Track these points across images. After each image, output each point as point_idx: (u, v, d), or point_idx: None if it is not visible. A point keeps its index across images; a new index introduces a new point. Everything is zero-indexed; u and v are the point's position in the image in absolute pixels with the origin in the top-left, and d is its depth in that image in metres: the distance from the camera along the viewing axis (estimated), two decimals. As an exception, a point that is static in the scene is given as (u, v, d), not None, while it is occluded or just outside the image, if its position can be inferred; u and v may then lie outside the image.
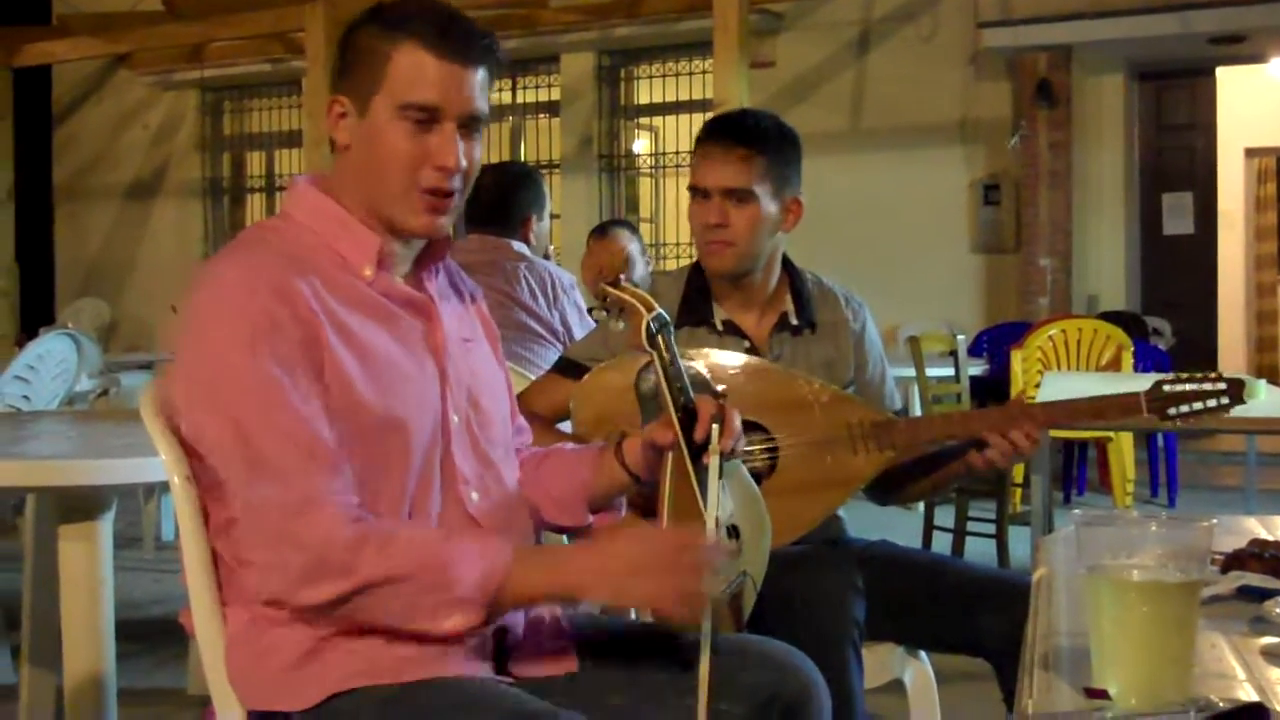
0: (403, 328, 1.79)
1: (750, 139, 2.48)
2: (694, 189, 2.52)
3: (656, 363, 1.82)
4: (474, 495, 1.81)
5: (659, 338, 1.82)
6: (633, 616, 2.75)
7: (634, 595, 1.71)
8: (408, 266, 1.85)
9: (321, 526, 1.60)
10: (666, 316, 1.85)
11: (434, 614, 1.64)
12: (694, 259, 2.66)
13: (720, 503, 1.83)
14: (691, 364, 2.16)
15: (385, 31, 1.75)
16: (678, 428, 1.81)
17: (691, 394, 1.84)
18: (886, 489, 2.57)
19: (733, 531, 1.89)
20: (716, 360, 2.43)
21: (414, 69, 1.73)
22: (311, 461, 1.63)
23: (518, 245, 3.98)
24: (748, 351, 2.51)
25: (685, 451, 1.81)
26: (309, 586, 1.61)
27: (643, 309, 1.83)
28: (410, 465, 1.74)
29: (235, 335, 1.65)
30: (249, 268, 1.70)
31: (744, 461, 2.35)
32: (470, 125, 1.78)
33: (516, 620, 1.85)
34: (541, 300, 3.90)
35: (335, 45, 1.86)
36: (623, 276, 1.94)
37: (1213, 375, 2.32)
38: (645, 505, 2.01)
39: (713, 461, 1.80)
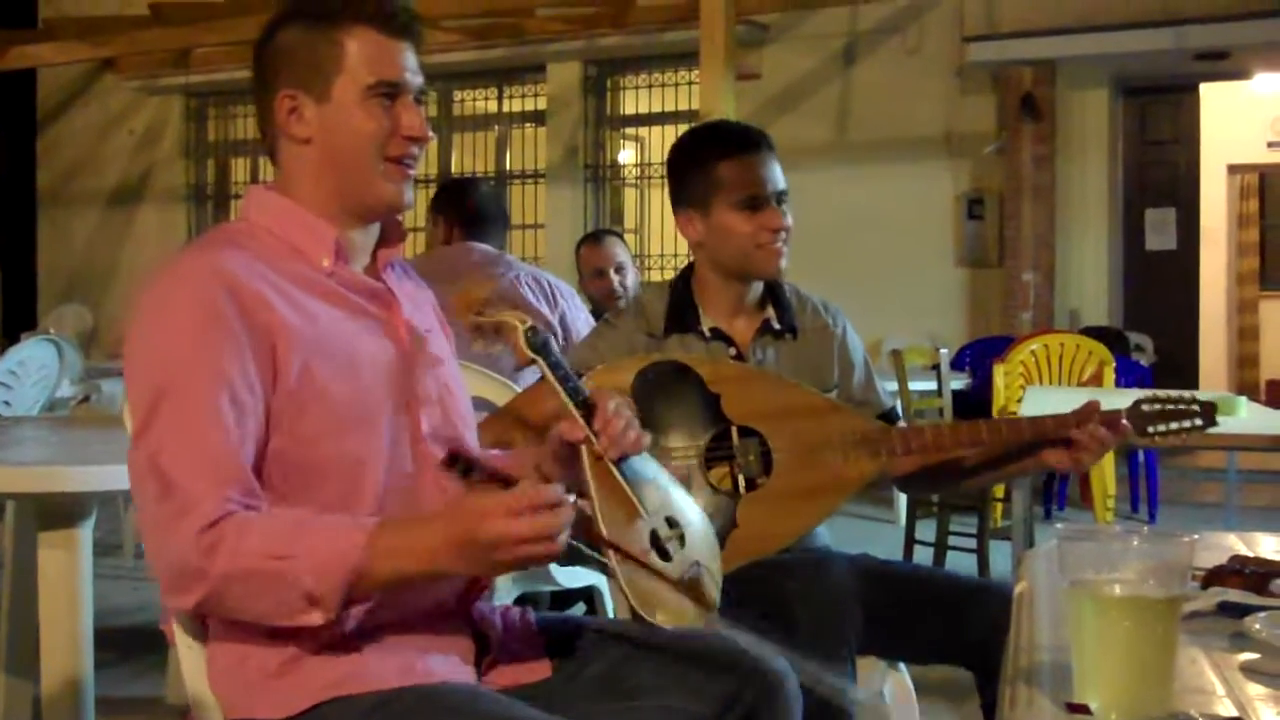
0: (363, 316, 1.81)
1: (771, 144, 2.58)
2: (754, 199, 2.52)
3: (544, 367, 1.85)
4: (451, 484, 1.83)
5: (539, 344, 1.86)
6: (610, 615, 2.75)
7: (491, 567, 1.62)
8: (366, 258, 1.88)
9: (184, 534, 1.58)
10: (539, 326, 1.89)
11: (287, 610, 1.60)
12: (678, 270, 2.68)
13: (650, 495, 1.89)
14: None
15: (325, 21, 1.79)
16: (582, 423, 1.85)
17: (587, 392, 1.88)
18: (929, 484, 2.63)
19: (671, 523, 1.93)
20: (712, 367, 2.47)
21: (372, 50, 1.79)
22: (206, 471, 1.61)
23: (510, 257, 4.07)
24: (734, 357, 2.56)
25: (595, 443, 1.85)
26: (178, 594, 1.61)
27: (515, 322, 1.87)
28: (377, 448, 1.75)
29: (174, 336, 1.66)
30: (200, 264, 1.71)
31: (740, 467, 2.39)
32: (420, 98, 1.85)
33: (494, 626, 1.86)
34: (544, 304, 3.95)
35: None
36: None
37: (1187, 396, 2.40)
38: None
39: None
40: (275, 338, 1.68)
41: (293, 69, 1.80)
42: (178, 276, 1.71)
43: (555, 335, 3.95)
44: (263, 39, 1.85)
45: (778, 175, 2.55)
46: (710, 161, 2.55)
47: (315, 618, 1.59)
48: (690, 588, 1.92)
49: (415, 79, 1.83)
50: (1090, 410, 2.35)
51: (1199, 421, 2.37)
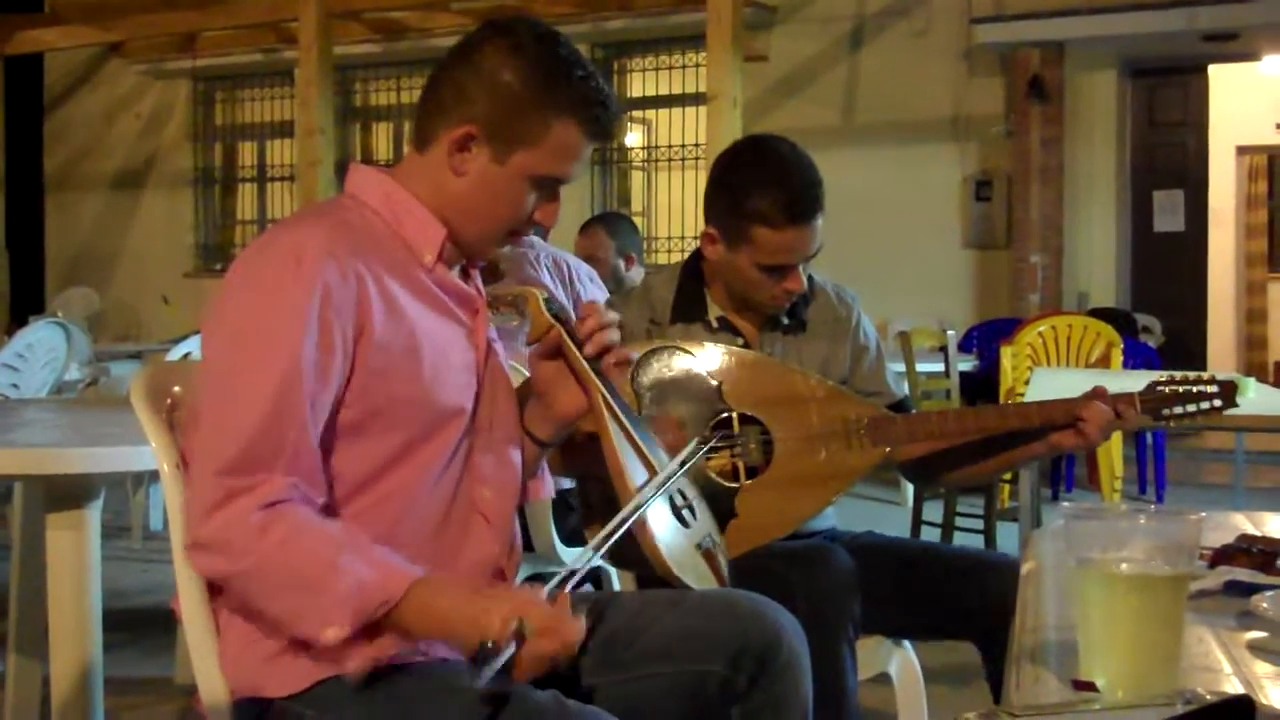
0: (451, 321, 1.82)
1: (820, 207, 2.44)
2: (781, 267, 2.44)
3: (561, 332, 1.87)
4: (487, 493, 1.85)
5: (556, 312, 1.89)
6: (616, 587, 2.75)
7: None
8: (459, 262, 1.89)
9: (243, 507, 1.59)
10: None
11: (311, 619, 1.59)
12: (685, 255, 2.65)
13: (665, 461, 1.92)
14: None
15: (548, 97, 1.76)
16: (599, 384, 1.87)
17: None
18: (937, 471, 2.56)
19: (683, 494, 1.94)
20: (714, 354, 2.43)
21: (567, 146, 1.79)
22: (282, 447, 1.61)
23: (532, 236, 4.02)
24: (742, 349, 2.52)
25: (614, 406, 1.88)
26: (202, 554, 1.61)
27: (534, 291, 1.91)
28: (440, 453, 1.77)
29: (283, 299, 1.65)
30: (315, 236, 1.70)
31: (739, 455, 2.38)
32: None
33: None
34: (559, 287, 3.94)
35: (454, 64, 1.81)
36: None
37: (1205, 377, 2.33)
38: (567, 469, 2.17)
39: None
40: (365, 328, 1.68)
41: (491, 114, 1.77)
42: (291, 253, 1.67)
43: None
44: (483, 51, 1.79)
45: (814, 243, 2.43)
46: (753, 218, 2.41)
47: (330, 634, 1.58)
48: (707, 558, 1.93)
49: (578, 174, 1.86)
50: (1098, 395, 2.31)
51: (1218, 402, 2.29)
